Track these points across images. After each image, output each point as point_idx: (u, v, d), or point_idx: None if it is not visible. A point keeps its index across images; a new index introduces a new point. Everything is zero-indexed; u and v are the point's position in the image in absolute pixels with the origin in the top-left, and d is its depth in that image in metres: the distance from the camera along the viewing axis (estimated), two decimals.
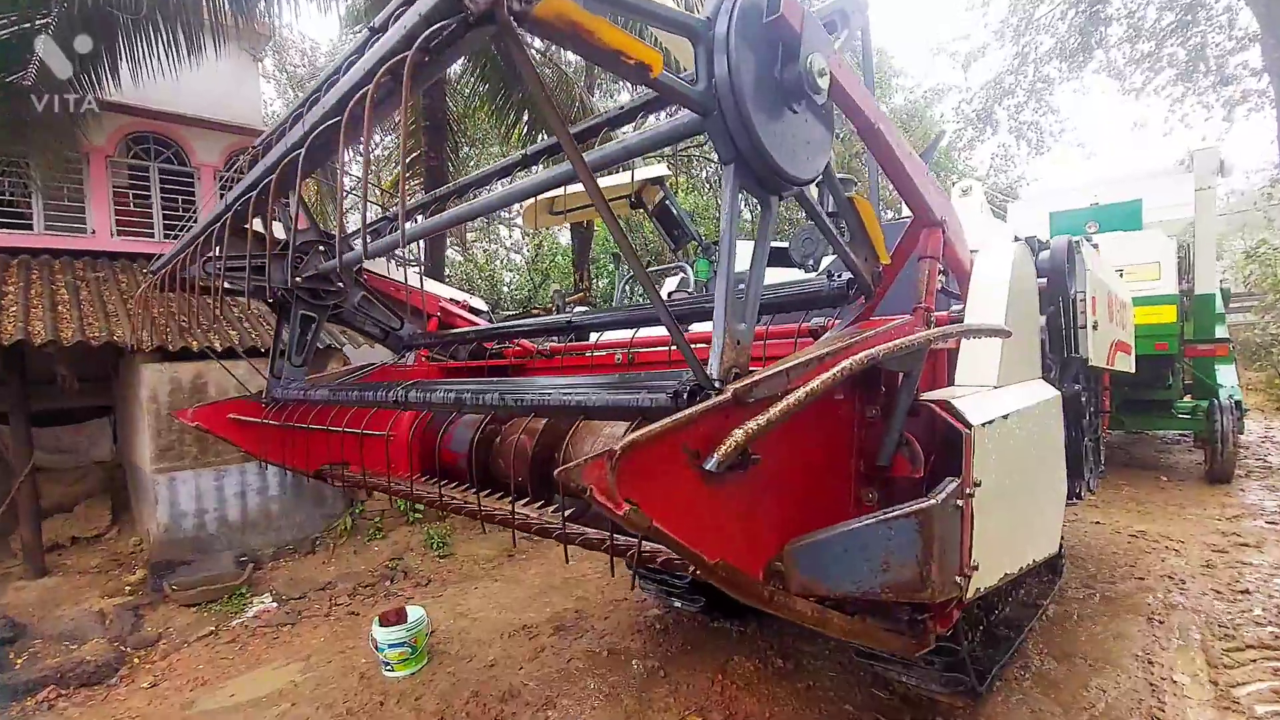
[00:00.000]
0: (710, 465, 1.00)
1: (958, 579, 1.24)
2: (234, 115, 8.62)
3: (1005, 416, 1.50)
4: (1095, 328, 3.60)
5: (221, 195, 2.22)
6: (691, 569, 1.16)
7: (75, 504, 6.88)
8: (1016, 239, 2.28)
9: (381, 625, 4.02)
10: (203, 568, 5.73)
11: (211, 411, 2.81)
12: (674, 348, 2.53)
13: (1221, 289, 9.06)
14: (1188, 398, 8.17)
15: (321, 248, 2.99)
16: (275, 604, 5.37)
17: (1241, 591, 4.57)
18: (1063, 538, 4.88)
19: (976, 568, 1.29)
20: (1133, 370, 4.91)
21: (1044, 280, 3.12)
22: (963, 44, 18.92)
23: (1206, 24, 11.27)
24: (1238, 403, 7.56)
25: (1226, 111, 12.21)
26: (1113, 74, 13.38)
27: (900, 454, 1.41)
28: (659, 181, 5.81)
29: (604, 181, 5.99)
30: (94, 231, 7.52)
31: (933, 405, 1.40)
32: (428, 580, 5.82)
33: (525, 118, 10.10)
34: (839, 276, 1.74)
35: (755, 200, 1.27)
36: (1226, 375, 7.94)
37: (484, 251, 22.69)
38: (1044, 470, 1.83)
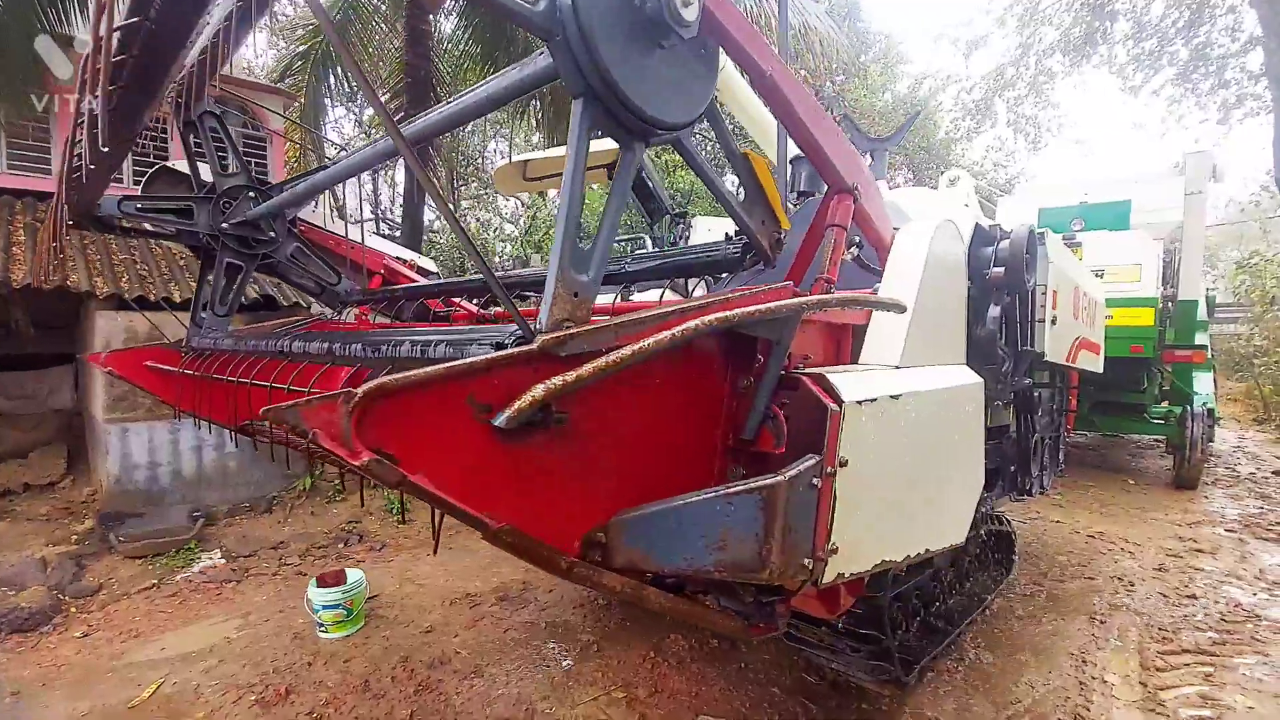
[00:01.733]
0: (499, 421, 0.91)
1: (806, 561, 1.16)
2: None
3: (895, 397, 1.41)
4: (1054, 322, 3.52)
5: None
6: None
7: (31, 450, 6.78)
8: (950, 220, 2.18)
9: (319, 586, 3.98)
10: (153, 521, 5.65)
11: (127, 357, 2.71)
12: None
13: (1208, 297, 9.02)
14: (1163, 403, 8.18)
15: (251, 193, 2.87)
16: (223, 560, 5.32)
17: (1188, 596, 4.58)
18: (1015, 532, 4.88)
19: (835, 551, 1.22)
20: (1100, 370, 4.85)
21: (1001, 269, 3.03)
22: (964, 30, 18.45)
23: (1211, 24, 11.04)
24: (1210, 411, 7.57)
25: (1223, 114, 12.04)
26: (1114, 70, 13.16)
27: (766, 428, 1.33)
28: None
29: None
30: (58, 172, 7.30)
31: (805, 379, 1.31)
32: (382, 544, 5.78)
33: None
34: (737, 241, 1.64)
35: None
36: (1203, 383, 7.94)
37: (477, 221, 22.37)
38: (951, 458, 1.75)
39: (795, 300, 1.27)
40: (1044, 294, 3.42)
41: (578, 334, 1.01)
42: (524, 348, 0.97)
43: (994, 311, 3.08)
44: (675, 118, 1.15)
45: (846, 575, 1.28)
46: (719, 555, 1.08)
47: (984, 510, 3.80)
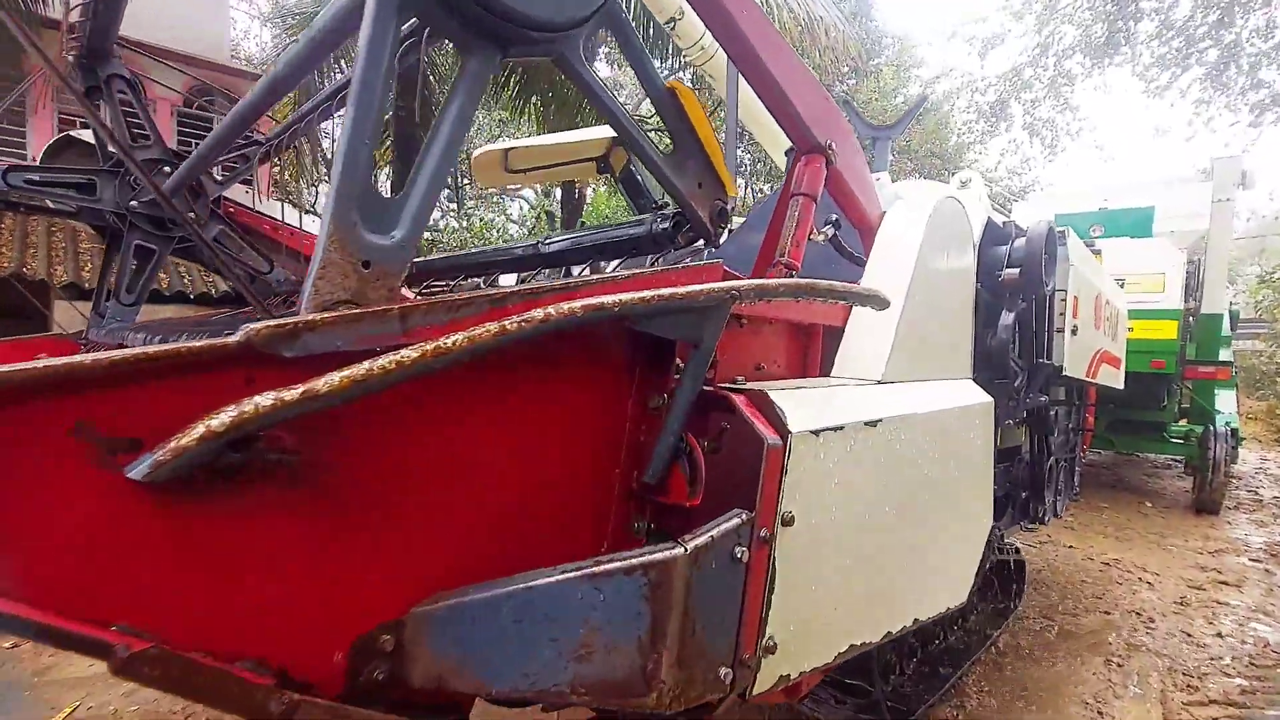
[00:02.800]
0: (136, 472, 0.54)
1: (724, 672, 0.79)
2: (197, 48, 8.16)
3: (872, 423, 1.05)
4: (1075, 333, 3.15)
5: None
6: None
7: None
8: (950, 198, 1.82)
9: None
10: None
11: (13, 348, 2.40)
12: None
13: (1231, 311, 8.61)
14: (1183, 421, 7.77)
15: (166, 168, 2.55)
16: None
17: (1214, 635, 4.19)
18: (1025, 560, 4.49)
19: (773, 650, 0.85)
20: (1120, 386, 4.47)
21: (1015, 271, 2.67)
22: (979, 28, 17.83)
23: (1243, 25, 10.55)
24: (1234, 430, 7.15)
25: (1254, 116, 11.50)
26: (1137, 71, 12.64)
27: (679, 469, 0.96)
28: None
29: (571, 138, 5.46)
30: (34, 157, 7.07)
31: (738, 399, 0.93)
32: None
33: (519, 73, 9.66)
34: (668, 213, 1.28)
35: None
36: (1225, 401, 7.53)
37: (481, 221, 22.08)
38: (951, 499, 1.38)
39: (721, 285, 0.88)
40: (1063, 301, 3.05)
41: (321, 323, 0.63)
42: (204, 343, 0.59)
43: (1007, 319, 2.72)
44: (545, 14, 0.79)
45: (794, 676, 0.91)
46: (579, 669, 0.69)
47: (992, 540, 3.42)
